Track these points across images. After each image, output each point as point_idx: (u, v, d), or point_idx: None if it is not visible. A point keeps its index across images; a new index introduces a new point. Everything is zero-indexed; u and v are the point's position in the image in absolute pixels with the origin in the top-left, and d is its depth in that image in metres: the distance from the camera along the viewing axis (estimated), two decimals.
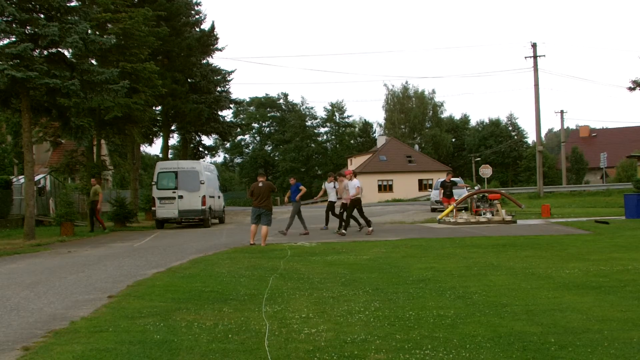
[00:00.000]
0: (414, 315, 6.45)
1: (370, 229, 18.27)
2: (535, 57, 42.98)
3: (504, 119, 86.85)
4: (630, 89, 33.16)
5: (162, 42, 27.93)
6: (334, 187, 20.06)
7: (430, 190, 36.26)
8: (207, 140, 45.03)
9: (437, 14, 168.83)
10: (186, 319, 6.49)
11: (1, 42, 18.66)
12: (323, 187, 21.07)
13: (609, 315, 6.25)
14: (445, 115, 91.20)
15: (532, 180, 62.86)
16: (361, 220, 19.34)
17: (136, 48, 23.83)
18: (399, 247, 13.56)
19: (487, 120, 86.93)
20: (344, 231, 18.25)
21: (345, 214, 18.69)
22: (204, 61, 36.07)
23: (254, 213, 15.40)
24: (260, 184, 15.52)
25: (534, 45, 43.02)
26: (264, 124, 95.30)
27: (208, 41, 35.49)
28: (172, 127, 36.41)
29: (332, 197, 20.24)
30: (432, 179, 60.13)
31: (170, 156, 42.70)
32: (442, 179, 36.99)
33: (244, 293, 8.07)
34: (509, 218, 20.96)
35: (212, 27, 36.07)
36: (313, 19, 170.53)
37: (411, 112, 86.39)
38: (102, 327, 6.19)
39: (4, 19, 18.18)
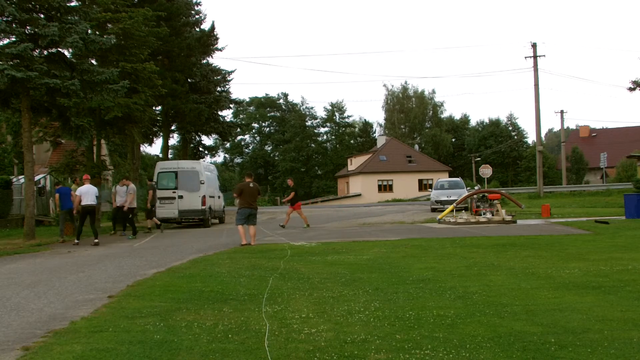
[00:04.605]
0: (414, 315, 6.45)
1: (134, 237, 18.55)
2: (535, 57, 43.00)
3: (504, 119, 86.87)
4: (630, 89, 33.15)
5: (162, 42, 27.92)
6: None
7: (430, 190, 36.27)
8: (207, 140, 45.07)
9: (437, 14, 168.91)
10: (186, 319, 6.49)
11: (1, 42, 18.67)
12: (114, 190, 21.10)
13: (609, 315, 6.25)
14: (445, 115, 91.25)
15: (532, 180, 62.86)
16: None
17: (136, 48, 23.80)
18: (399, 247, 13.56)
19: (487, 120, 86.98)
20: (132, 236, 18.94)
21: (127, 219, 19.68)
22: (204, 61, 36.07)
23: (245, 214, 15.23)
24: (251, 185, 15.46)
25: (534, 45, 43.05)
26: (264, 124, 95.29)
27: (208, 41, 35.48)
28: (172, 127, 36.41)
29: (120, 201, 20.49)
30: (432, 179, 60.14)
31: (170, 156, 42.69)
32: (441, 179, 37.17)
33: (244, 293, 8.06)
34: (509, 218, 20.96)
35: (212, 27, 36.08)
36: (313, 19, 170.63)
37: (411, 112, 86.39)
38: (102, 327, 6.19)
39: (4, 19, 18.18)
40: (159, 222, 22.27)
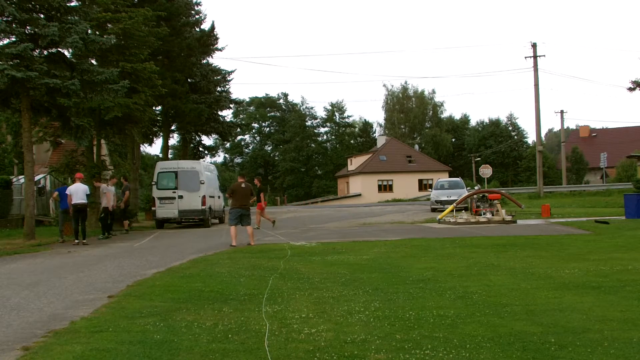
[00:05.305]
0: (414, 315, 6.45)
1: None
2: (535, 57, 43.00)
3: (504, 119, 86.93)
4: (630, 89, 33.13)
5: (162, 42, 27.90)
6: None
7: (430, 190, 36.28)
8: (207, 140, 45.08)
9: (437, 14, 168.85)
10: (186, 319, 6.49)
11: (1, 42, 18.68)
12: (104, 191, 20.28)
13: (609, 315, 6.25)
14: (445, 115, 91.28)
15: (532, 180, 62.85)
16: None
17: (136, 48, 23.79)
18: (399, 247, 13.56)
19: (487, 120, 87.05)
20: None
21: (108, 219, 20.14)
22: (204, 61, 36.08)
23: (236, 214, 15.25)
24: (243, 185, 15.49)
25: (534, 45, 43.05)
26: (264, 124, 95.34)
27: (208, 41, 35.49)
28: (172, 127, 36.41)
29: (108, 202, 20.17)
30: (432, 179, 60.13)
31: (170, 156, 42.69)
32: (441, 179, 37.15)
33: (244, 293, 8.07)
34: (509, 218, 20.96)
35: (212, 27, 36.10)
36: (313, 19, 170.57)
37: (411, 112, 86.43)
38: (102, 327, 6.19)
39: (4, 19, 18.18)
40: (127, 228, 22.47)
